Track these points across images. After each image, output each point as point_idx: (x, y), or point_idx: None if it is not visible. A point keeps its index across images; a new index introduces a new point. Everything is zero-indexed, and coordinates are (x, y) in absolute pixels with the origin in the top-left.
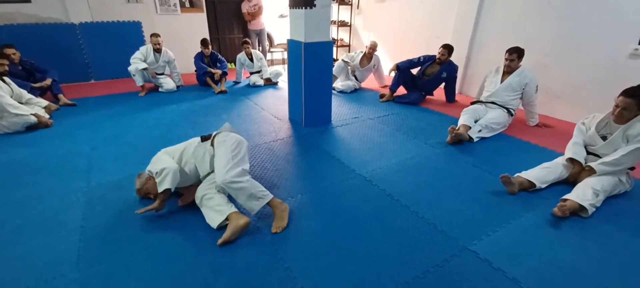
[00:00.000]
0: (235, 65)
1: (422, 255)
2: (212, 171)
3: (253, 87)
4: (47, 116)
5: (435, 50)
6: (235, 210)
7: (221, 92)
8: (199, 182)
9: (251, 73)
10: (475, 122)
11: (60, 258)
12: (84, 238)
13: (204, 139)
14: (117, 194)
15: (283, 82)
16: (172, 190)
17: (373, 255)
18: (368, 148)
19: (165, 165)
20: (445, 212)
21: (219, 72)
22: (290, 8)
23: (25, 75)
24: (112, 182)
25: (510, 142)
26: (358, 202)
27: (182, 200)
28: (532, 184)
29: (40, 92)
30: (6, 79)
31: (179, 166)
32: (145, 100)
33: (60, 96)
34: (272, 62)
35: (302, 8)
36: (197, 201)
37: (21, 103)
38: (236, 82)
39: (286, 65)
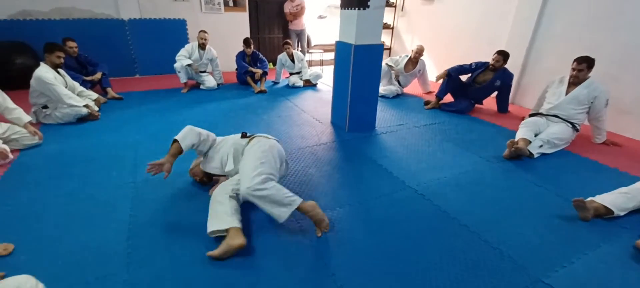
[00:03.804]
0: (274, 65)
1: (489, 285)
2: (237, 172)
3: (292, 88)
4: (96, 108)
5: (485, 57)
6: (238, 226)
7: (261, 91)
8: (224, 175)
9: (291, 74)
10: (536, 136)
11: (110, 255)
12: (132, 236)
13: (243, 135)
14: (162, 192)
15: (322, 84)
16: (182, 147)
17: (431, 279)
18: (417, 158)
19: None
20: (509, 235)
21: (260, 71)
22: (341, 8)
23: (79, 68)
24: (157, 178)
25: (575, 160)
26: (410, 217)
27: (212, 190)
28: (609, 211)
29: (91, 85)
30: (61, 71)
31: (214, 143)
32: (187, 97)
33: (109, 89)
34: (310, 63)
35: (354, 9)
36: (211, 199)
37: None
38: (275, 82)
39: (324, 67)
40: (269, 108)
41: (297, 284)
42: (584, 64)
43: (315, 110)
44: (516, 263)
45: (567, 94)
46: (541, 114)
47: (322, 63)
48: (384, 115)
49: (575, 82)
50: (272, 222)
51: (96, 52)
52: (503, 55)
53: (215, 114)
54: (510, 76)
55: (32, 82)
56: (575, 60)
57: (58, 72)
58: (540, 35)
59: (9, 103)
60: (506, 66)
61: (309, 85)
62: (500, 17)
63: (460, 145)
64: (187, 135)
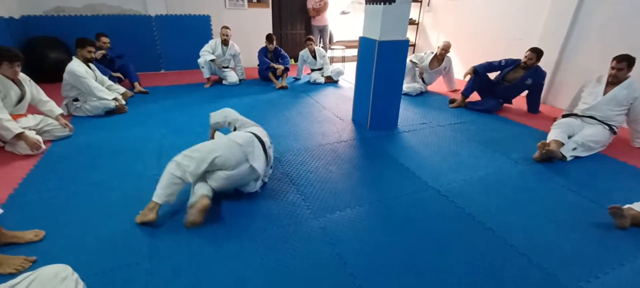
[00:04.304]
0: (296, 61)
1: None
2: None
3: (314, 85)
4: (124, 102)
5: (515, 54)
6: (205, 193)
7: (282, 87)
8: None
9: (312, 70)
10: (569, 138)
11: (134, 245)
12: (155, 227)
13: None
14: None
15: (343, 81)
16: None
17: (453, 283)
18: (440, 158)
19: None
20: (539, 242)
21: (282, 67)
22: (366, 3)
23: (108, 62)
24: None
25: (612, 164)
26: (432, 218)
27: None
28: None
29: (119, 80)
30: (91, 65)
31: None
32: (210, 92)
33: (136, 84)
34: (332, 60)
35: (380, 4)
36: None
37: None
38: (296, 79)
39: (345, 64)
40: (290, 104)
41: (315, 283)
42: (624, 63)
43: (336, 107)
44: (545, 271)
45: (605, 94)
46: (576, 115)
47: (344, 59)
48: (406, 114)
49: (614, 81)
50: (289, 221)
51: (124, 48)
52: (536, 52)
53: (237, 109)
54: (542, 75)
55: (65, 75)
56: (614, 59)
57: (89, 67)
58: (577, 30)
59: (43, 96)
60: (539, 64)
61: (331, 81)
62: (532, 11)
63: (487, 146)
64: (215, 115)
